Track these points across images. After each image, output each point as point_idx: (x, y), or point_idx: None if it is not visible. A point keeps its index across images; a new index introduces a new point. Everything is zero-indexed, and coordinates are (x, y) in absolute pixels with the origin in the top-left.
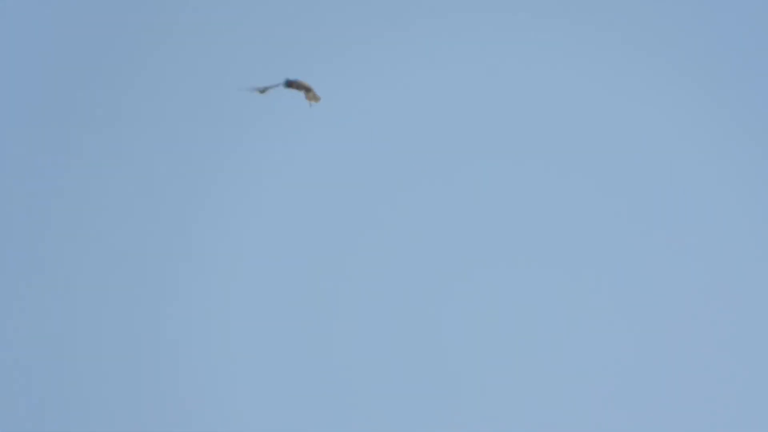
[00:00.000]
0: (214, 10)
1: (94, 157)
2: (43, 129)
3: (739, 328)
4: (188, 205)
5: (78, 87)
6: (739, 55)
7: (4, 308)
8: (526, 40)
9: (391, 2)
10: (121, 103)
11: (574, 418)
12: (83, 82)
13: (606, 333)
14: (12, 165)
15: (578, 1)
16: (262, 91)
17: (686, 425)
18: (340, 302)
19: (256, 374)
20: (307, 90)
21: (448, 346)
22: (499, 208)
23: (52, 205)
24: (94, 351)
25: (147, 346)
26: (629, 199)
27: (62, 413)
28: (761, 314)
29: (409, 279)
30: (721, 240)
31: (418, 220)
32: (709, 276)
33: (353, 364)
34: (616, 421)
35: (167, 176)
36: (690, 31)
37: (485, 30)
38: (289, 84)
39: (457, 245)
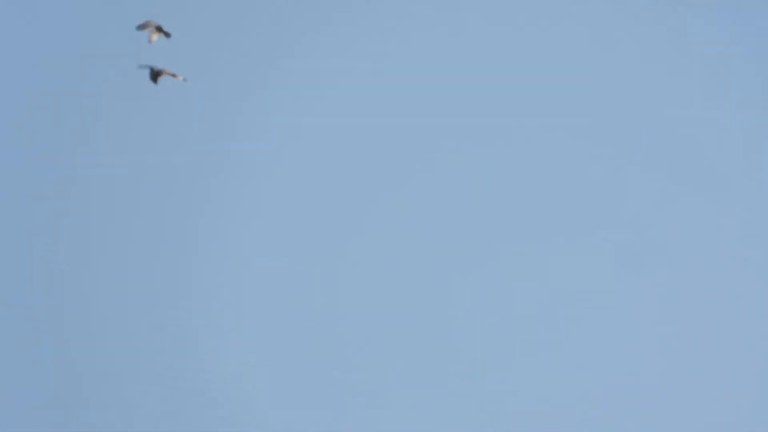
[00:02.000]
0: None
1: (93, 156)
2: (41, 130)
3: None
4: (187, 201)
5: (81, 86)
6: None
7: (4, 308)
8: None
9: None
10: (116, 101)
11: (580, 415)
12: (87, 82)
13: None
14: (11, 165)
15: None
16: (156, 74)
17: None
18: (344, 296)
19: (260, 368)
20: (166, 74)
21: (455, 339)
22: (503, 197)
23: (53, 206)
24: (93, 348)
25: (148, 344)
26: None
27: (62, 413)
28: None
29: (415, 269)
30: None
31: (421, 210)
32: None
33: (358, 360)
34: (623, 413)
35: (167, 172)
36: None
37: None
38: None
39: (463, 235)
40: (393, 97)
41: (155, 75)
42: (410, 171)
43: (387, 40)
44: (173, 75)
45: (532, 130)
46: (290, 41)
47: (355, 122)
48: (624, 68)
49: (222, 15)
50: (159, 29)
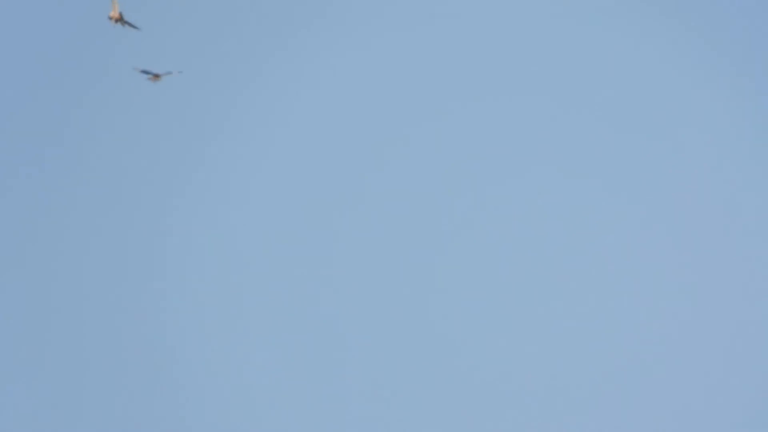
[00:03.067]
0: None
1: (84, 153)
2: (34, 130)
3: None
4: (185, 200)
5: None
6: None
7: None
8: None
9: None
10: (103, 96)
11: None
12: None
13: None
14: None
15: None
16: (155, 76)
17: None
18: (336, 293)
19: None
20: (156, 76)
21: (446, 334)
22: (496, 189)
23: (47, 206)
24: (89, 348)
25: (140, 342)
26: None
27: (61, 412)
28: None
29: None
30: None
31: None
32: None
33: (350, 357)
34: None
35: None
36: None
37: None
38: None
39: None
40: (388, 95)
41: (155, 77)
42: (405, 168)
43: (382, 39)
44: (168, 74)
45: (529, 127)
46: (289, 41)
47: (350, 120)
48: (621, 66)
49: (217, 14)
50: (122, 20)
